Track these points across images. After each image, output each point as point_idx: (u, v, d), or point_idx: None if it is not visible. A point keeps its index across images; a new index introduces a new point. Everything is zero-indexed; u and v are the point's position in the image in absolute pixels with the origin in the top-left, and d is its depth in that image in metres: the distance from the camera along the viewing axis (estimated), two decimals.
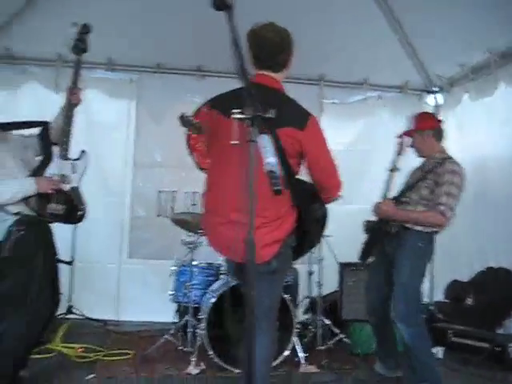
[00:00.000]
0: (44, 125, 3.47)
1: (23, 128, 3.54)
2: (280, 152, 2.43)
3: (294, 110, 2.64)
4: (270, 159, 1.59)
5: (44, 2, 4.77)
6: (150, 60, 5.66)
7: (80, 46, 3.44)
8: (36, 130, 3.49)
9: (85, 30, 3.46)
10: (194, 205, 5.58)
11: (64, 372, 3.89)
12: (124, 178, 5.78)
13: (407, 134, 3.86)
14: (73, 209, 3.39)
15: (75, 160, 3.44)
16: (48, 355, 4.17)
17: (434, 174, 3.58)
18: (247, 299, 2.75)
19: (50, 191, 3.25)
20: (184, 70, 5.76)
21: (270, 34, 2.61)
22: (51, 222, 3.38)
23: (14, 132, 3.49)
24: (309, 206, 2.77)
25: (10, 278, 3.23)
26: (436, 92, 6.07)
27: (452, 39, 4.92)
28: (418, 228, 3.56)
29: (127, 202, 5.78)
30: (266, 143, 1.62)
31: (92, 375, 3.82)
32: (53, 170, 3.33)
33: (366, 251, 3.94)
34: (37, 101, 5.48)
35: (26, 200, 3.20)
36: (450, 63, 5.50)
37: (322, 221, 2.94)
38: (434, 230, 3.61)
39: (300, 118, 2.59)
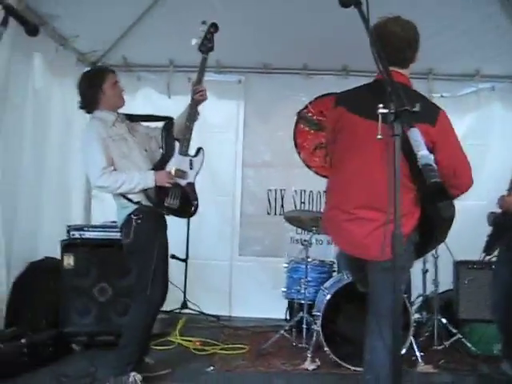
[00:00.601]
0: (169, 120, 3.64)
1: (150, 121, 3.78)
2: (409, 148, 2.39)
3: (425, 105, 2.57)
4: (424, 152, 1.56)
5: (152, 13, 5.03)
6: (256, 60, 5.77)
7: (207, 45, 3.52)
8: (161, 124, 3.65)
9: (213, 28, 3.56)
10: (303, 203, 5.64)
11: (185, 362, 4.05)
12: (234, 177, 5.92)
13: None
14: (187, 204, 3.48)
15: (193, 157, 3.55)
16: (168, 347, 4.38)
17: None
18: (369, 296, 2.76)
19: (168, 185, 3.36)
20: (290, 69, 5.81)
21: (397, 28, 2.55)
22: (167, 215, 3.50)
23: (142, 123, 3.72)
24: (437, 202, 2.71)
25: (134, 268, 3.46)
26: None
27: None
28: None
29: (237, 200, 5.91)
30: (416, 136, 1.59)
31: (211, 367, 3.95)
32: (172, 164, 3.45)
33: (491, 244, 3.79)
34: (151, 105, 5.75)
35: (145, 191, 3.34)
36: None
37: (450, 219, 2.86)
38: None
39: (431, 113, 2.52)
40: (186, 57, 5.68)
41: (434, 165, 1.61)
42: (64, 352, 4.04)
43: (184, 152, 3.49)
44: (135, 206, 3.35)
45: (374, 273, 2.69)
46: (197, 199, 3.55)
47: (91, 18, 4.69)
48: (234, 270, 5.84)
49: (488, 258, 3.89)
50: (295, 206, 5.69)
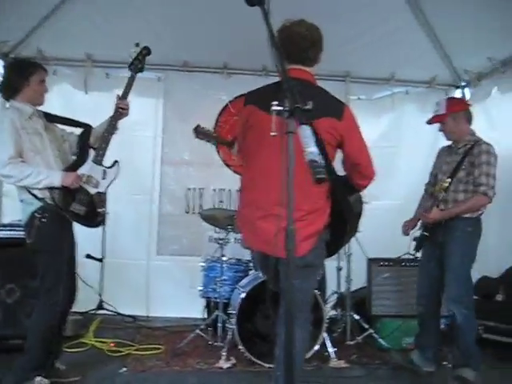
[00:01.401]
0: (87, 127, 3.59)
1: (68, 125, 3.67)
2: (319, 143, 2.46)
3: (329, 100, 2.69)
4: (312, 149, 1.60)
5: (71, 5, 4.86)
6: (176, 58, 5.74)
7: (137, 65, 3.66)
8: (77, 130, 3.61)
9: (145, 51, 3.70)
10: (222, 202, 5.65)
11: (97, 365, 3.96)
12: (152, 175, 5.86)
13: (438, 119, 3.90)
14: (94, 212, 3.40)
15: (108, 167, 3.50)
16: (81, 349, 4.27)
17: (470, 156, 3.68)
18: (286, 292, 2.79)
19: (74, 187, 3.28)
20: (210, 67, 5.82)
21: (302, 29, 2.68)
22: (71, 220, 3.37)
23: (58, 125, 3.62)
24: (347, 197, 2.80)
25: (39, 268, 3.35)
26: (463, 86, 6.01)
27: (479, 33, 4.87)
28: (466, 215, 3.69)
29: (155, 199, 5.85)
30: (306, 134, 1.63)
31: (125, 368, 3.89)
32: (84, 170, 3.39)
33: (421, 243, 3.97)
34: (67, 101, 5.59)
35: (50, 190, 3.24)
36: (478, 57, 5.44)
37: (359, 213, 2.97)
38: (480, 213, 3.74)
39: (336, 108, 2.65)
40: (105, 52, 5.60)
41: (321, 161, 1.65)
42: None
43: (98, 161, 3.44)
44: (40, 204, 3.25)
45: (282, 269, 2.74)
46: (105, 210, 3.48)
47: (3, 6, 4.49)
48: (151, 269, 5.77)
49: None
50: (214, 205, 5.69)
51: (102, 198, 3.44)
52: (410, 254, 4.21)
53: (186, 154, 5.86)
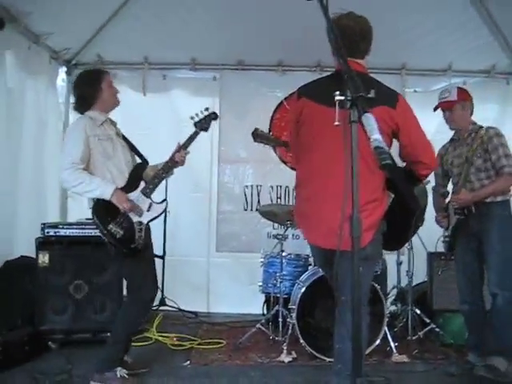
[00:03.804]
0: (144, 160, 3.68)
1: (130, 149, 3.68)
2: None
3: (383, 89, 2.68)
4: (376, 136, 1.60)
5: (127, 10, 5.02)
6: (231, 57, 5.81)
7: (203, 125, 3.75)
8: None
9: (213, 115, 3.79)
10: (279, 198, 5.68)
11: (162, 358, 4.08)
12: (210, 173, 5.95)
13: (449, 105, 3.85)
14: (129, 239, 3.37)
15: (155, 202, 3.51)
16: (146, 343, 4.40)
17: (481, 143, 3.65)
18: (352, 282, 2.80)
19: (122, 207, 3.31)
20: (265, 65, 5.86)
21: (351, 22, 2.68)
22: (105, 239, 3.37)
23: None
24: (411, 189, 2.78)
25: (125, 268, 3.53)
26: None
27: None
28: (500, 198, 3.66)
29: (214, 197, 5.94)
30: (370, 121, 1.64)
31: (188, 362, 3.99)
32: (132, 197, 3.41)
33: (453, 242, 3.89)
34: (126, 103, 5.69)
35: (95, 204, 3.34)
36: None
37: (424, 206, 2.94)
38: (511, 194, 3.74)
39: (390, 96, 2.64)
40: (161, 54, 5.75)
41: (386, 148, 1.65)
42: (40, 350, 4.03)
43: (147, 193, 3.47)
44: None
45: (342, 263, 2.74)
46: (142, 240, 3.42)
47: (64, 15, 4.68)
48: (211, 266, 5.87)
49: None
50: (271, 202, 5.72)
51: (141, 228, 3.42)
52: None
53: (242, 151, 5.92)
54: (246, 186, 5.89)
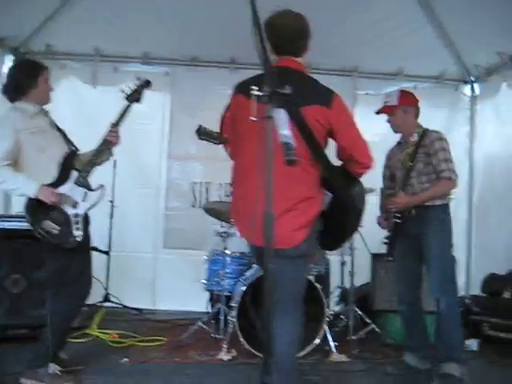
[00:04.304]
0: (74, 148, 3.53)
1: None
2: (307, 130, 2.47)
3: (319, 88, 2.69)
4: (285, 131, 1.61)
5: (78, 1, 4.92)
6: (184, 53, 5.76)
7: (134, 95, 3.56)
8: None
9: (146, 85, 3.63)
10: (228, 196, 5.64)
11: (99, 355, 4.00)
12: (159, 170, 5.91)
13: (389, 110, 3.89)
14: (67, 233, 3.27)
15: (90, 190, 3.39)
16: (85, 340, 4.32)
17: (423, 147, 3.70)
18: (266, 281, 2.79)
19: (49, 202, 3.18)
20: (218, 62, 5.83)
21: (288, 20, 2.69)
22: (40, 237, 3.24)
23: None
24: (349, 189, 2.79)
25: (52, 261, 3.40)
26: (473, 82, 5.96)
27: (489, 27, 4.81)
28: (438, 202, 3.69)
29: (162, 193, 5.90)
30: (281, 117, 1.64)
31: (126, 359, 3.92)
32: (64, 190, 3.29)
33: (392, 245, 3.91)
34: (76, 95, 5.66)
35: (27, 201, 3.21)
36: (487, 52, 5.38)
37: (361, 208, 2.95)
38: (450, 199, 3.78)
39: (325, 95, 2.64)
40: (113, 46, 5.64)
41: (293, 144, 1.65)
42: None
43: (80, 183, 3.34)
44: None
45: (276, 260, 2.74)
46: (81, 234, 3.31)
47: (11, 2, 4.55)
48: (158, 262, 5.82)
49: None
50: (220, 199, 5.70)
51: (78, 219, 3.31)
52: None
53: (192, 148, 5.85)
54: (195, 183, 5.85)
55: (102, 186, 3.46)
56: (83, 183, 3.35)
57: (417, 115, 3.91)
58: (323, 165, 2.63)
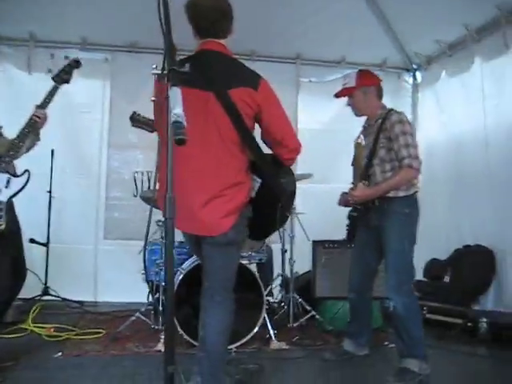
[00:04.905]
0: None
1: None
2: (236, 112, 2.44)
3: (245, 71, 2.66)
4: (177, 110, 1.57)
5: None
6: (124, 38, 5.64)
7: (63, 76, 3.50)
8: None
9: (75, 64, 3.56)
10: None
11: (33, 350, 3.87)
12: (99, 159, 5.76)
13: (347, 91, 3.66)
14: None
15: (14, 176, 3.29)
16: (19, 335, 4.17)
17: (383, 131, 3.43)
18: (207, 269, 2.75)
19: None
20: (158, 48, 5.66)
21: (210, 2, 2.63)
22: None
23: None
24: (277, 176, 2.76)
25: None
26: (415, 70, 6.03)
27: (428, 16, 4.88)
28: (402, 194, 3.41)
29: (102, 182, 5.76)
30: (174, 95, 1.59)
31: (60, 353, 3.80)
32: None
33: (352, 232, 3.74)
34: (10, 81, 5.45)
35: None
36: (428, 40, 5.47)
37: (292, 192, 2.93)
38: (416, 190, 3.47)
39: (252, 78, 2.61)
40: (49, 31, 5.45)
41: (184, 123, 1.61)
42: None
43: (2, 169, 3.24)
44: None
45: (205, 248, 2.70)
46: (3, 221, 3.19)
47: None
48: (98, 254, 5.69)
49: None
50: None
51: (2, 207, 3.19)
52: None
53: (133, 137, 5.68)
54: (136, 172, 5.70)
55: (26, 171, 3.33)
56: (5, 169, 3.24)
57: (380, 96, 3.66)
58: (252, 149, 2.60)
